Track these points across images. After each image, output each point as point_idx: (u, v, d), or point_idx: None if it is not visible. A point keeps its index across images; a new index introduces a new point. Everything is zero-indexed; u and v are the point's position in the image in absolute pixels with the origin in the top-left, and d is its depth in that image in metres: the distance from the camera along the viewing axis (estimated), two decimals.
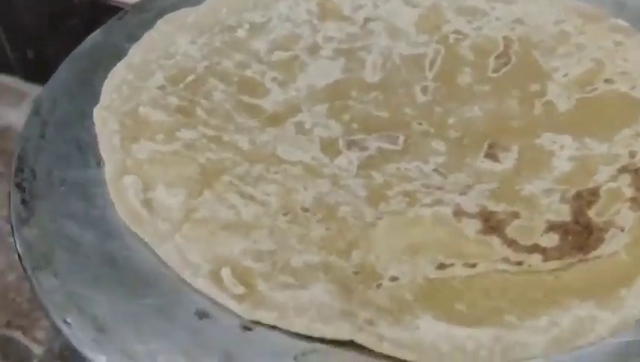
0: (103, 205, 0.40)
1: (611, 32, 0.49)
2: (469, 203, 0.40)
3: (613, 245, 0.36)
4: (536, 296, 0.35)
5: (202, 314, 0.35)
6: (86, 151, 0.43)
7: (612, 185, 0.39)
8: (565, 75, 0.48)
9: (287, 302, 0.35)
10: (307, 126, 0.47)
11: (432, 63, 0.52)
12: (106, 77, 0.47)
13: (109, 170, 0.42)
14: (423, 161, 0.45)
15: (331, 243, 0.38)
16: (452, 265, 0.37)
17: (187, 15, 0.53)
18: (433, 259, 0.37)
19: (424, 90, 0.50)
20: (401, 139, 0.47)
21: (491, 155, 0.44)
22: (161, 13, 0.53)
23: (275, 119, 0.48)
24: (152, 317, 0.34)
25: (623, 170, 0.40)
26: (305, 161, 0.44)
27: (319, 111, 0.48)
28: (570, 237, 0.37)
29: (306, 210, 0.41)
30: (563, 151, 0.43)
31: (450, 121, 0.48)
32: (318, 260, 0.37)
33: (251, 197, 0.41)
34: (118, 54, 0.49)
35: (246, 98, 0.49)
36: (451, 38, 0.53)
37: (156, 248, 0.37)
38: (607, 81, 0.46)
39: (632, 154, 0.41)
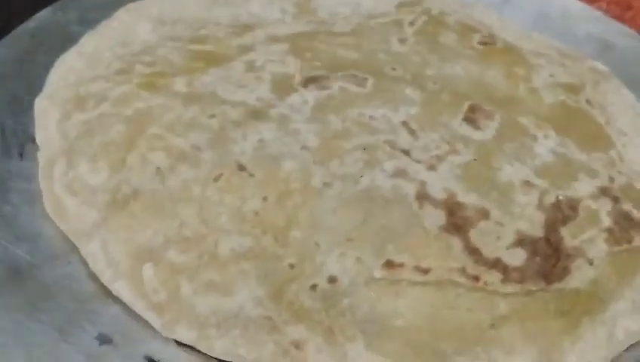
0: (18, 203, 0.34)
1: (590, 72, 0.44)
2: (436, 183, 0.35)
3: (576, 279, 0.32)
4: (482, 321, 0.31)
5: (104, 339, 0.30)
6: (10, 140, 0.37)
7: (592, 204, 0.35)
8: (552, 76, 0.43)
9: (209, 315, 0.30)
10: (258, 63, 0.40)
11: (412, 23, 0.45)
12: (46, 60, 0.41)
13: (41, 160, 0.36)
14: (393, 109, 0.39)
15: (267, 218, 0.33)
16: (402, 265, 0.32)
17: (151, 6, 0.45)
18: (382, 249, 0.32)
19: (402, 41, 0.44)
20: (370, 81, 0.40)
21: (471, 120, 0.39)
22: None
23: (222, 59, 0.40)
24: (48, 337, 0.30)
25: (604, 192, 0.36)
26: (249, 101, 0.37)
27: (276, 50, 0.41)
28: (537, 259, 0.32)
29: (242, 167, 0.34)
30: (547, 140, 0.39)
31: (429, 72, 0.41)
32: (250, 244, 0.32)
33: (180, 155, 0.34)
34: (65, 37, 0.43)
35: (194, 46, 0.41)
36: (435, 11, 0.47)
37: (82, 249, 0.32)
38: (587, 101, 0.42)
39: (611, 180, 0.37)
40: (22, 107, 0.39)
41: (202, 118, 0.36)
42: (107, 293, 0.31)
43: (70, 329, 0.30)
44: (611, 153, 0.39)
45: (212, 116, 0.36)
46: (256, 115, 0.37)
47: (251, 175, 0.34)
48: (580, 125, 0.40)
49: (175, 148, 0.35)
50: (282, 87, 0.39)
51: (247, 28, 0.44)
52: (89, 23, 0.44)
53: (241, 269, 0.31)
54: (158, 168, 0.34)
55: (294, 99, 0.38)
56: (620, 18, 0.58)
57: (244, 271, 0.31)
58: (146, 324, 0.30)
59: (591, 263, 0.33)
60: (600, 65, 0.46)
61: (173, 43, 0.42)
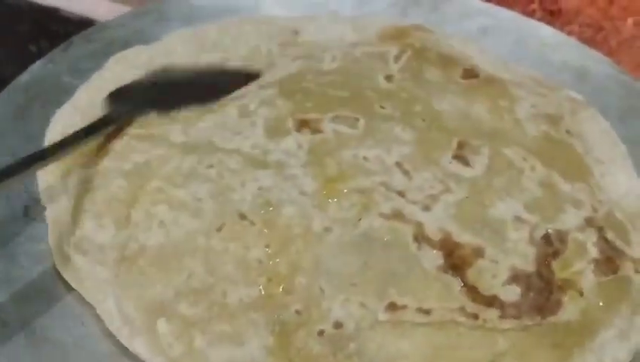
0: (28, 264, 0.35)
1: (567, 102, 0.46)
2: (432, 224, 0.36)
3: (568, 312, 0.34)
4: (483, 359, 0.32)
5: None
6: (13, 199, 0.38)
7: (579, 236, 0.37)
8: (533, 106, 0.44)
9: None
10: (251, 107, 0.41)
11: (397, 58, 0.46)
12: (42, 114, 0.42)
13: (49, 220, 0.37)
14: (385, 150, 0.40)
15: (271, 266, 0.34)
16: (404, 307, 0.33)
17: (140, 54, 0.46)
18: (384, 292, 0.34)
19: (389, 78, 0.45)
20: (362, 121, 0.41)
21: (460, 157, 0.40)
22: (108, 45, 0.47)
23: (216, 105, 0.41)
24: None
25: (589, 222, 0.37)
26: (243, 149, 0.38)
27: (267, 93, 0.42)
28: (531, 294, 0.34)
29: (243, 216, 0.35)
30: (533, 173, 0.40)
31: (417, 108, 0.43)
32: (256, 294, 0.33)
33: (182, 206, 0.35)
34: (58, 89, 0.44)
35: None
36: (418, 44, 0.48)
37: (97, 308, 0.33)
38: (567, 132, 0.43)
39: (594, 210, 0.38)
40: None
41: (201, 168, 0.37)
42: (124, 351, 0.32)
43: None
44: (591, 182, 0.41)
45: (210, 166, 0.38)
46: (254, 162, 0.38)
47: (252, 223, 0.35)
48: (563, 156, 0.42)
49: (176, 200, 0.36)
50: (276, 131, 0.40)
51: None
52: (80, 73, 0.45)
53: (250, 319, 0.33)
54: (162, 221, 0.35)
55: (289, 143, 0.39)
56: (592, 40, 0.61)
57: (254, 321, 0.32)
58: None
59: (581, 294, 0.35)
60: (575, 94, 0.47)
61: None
